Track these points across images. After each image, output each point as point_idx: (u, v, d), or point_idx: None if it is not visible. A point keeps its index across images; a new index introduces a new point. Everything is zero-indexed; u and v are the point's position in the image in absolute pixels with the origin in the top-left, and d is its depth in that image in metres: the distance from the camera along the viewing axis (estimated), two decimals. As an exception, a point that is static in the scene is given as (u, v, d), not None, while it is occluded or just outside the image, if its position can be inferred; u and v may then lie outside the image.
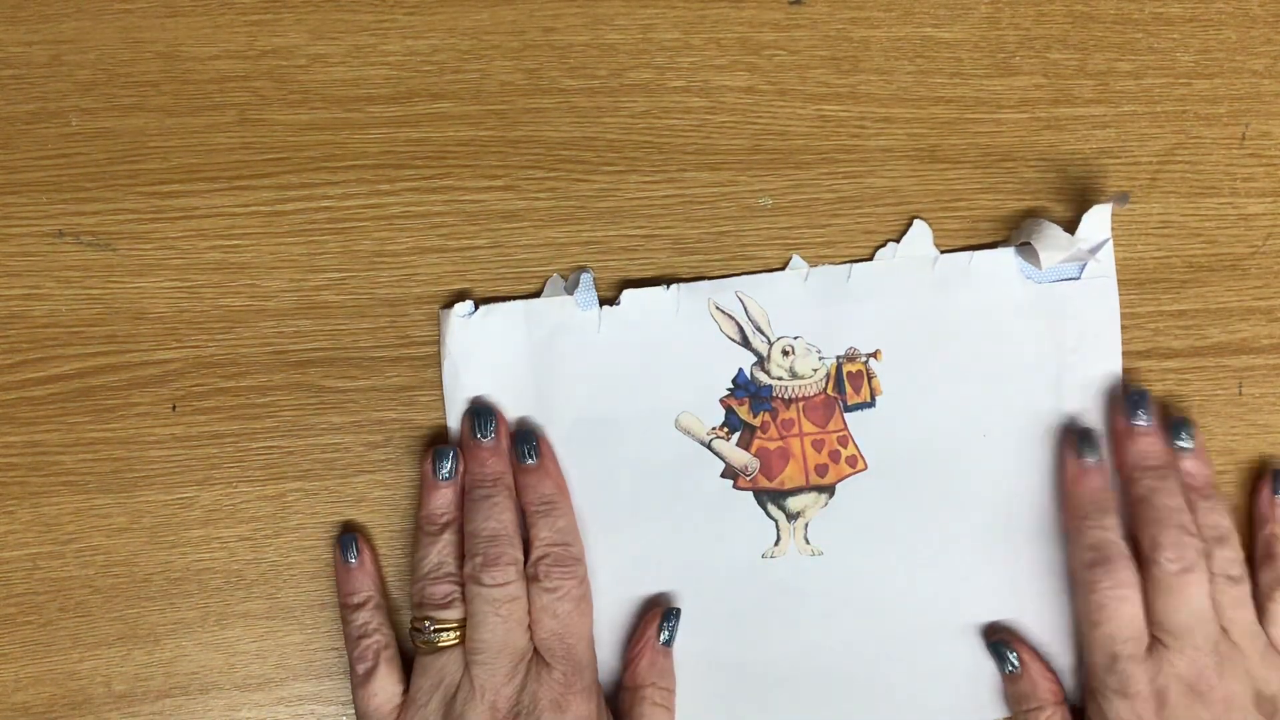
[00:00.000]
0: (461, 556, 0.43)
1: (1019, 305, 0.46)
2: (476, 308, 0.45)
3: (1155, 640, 0.42)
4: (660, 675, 0.44)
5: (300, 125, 0.46)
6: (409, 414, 0.46)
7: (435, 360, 0.46)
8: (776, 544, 0.46)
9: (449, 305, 0.45)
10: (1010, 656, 0.44)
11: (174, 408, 0.45)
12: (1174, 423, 0.45)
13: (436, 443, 0.45)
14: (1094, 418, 0.46)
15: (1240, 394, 0.47)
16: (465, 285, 0.46)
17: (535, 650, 0.42)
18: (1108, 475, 0.44)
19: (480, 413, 0.44)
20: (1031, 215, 0.47)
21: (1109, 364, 0.46)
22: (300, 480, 0.45)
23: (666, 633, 0.44)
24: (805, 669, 0.45)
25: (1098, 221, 0.45)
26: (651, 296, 0.46)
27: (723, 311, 0.46)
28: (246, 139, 0.46)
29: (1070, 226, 0.45)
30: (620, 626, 0.46)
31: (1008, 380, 0.46)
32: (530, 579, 0.43)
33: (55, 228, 0.45)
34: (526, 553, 0.44)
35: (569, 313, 0.45)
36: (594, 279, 0.45)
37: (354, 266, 0.46)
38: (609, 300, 0.46)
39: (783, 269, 0.46)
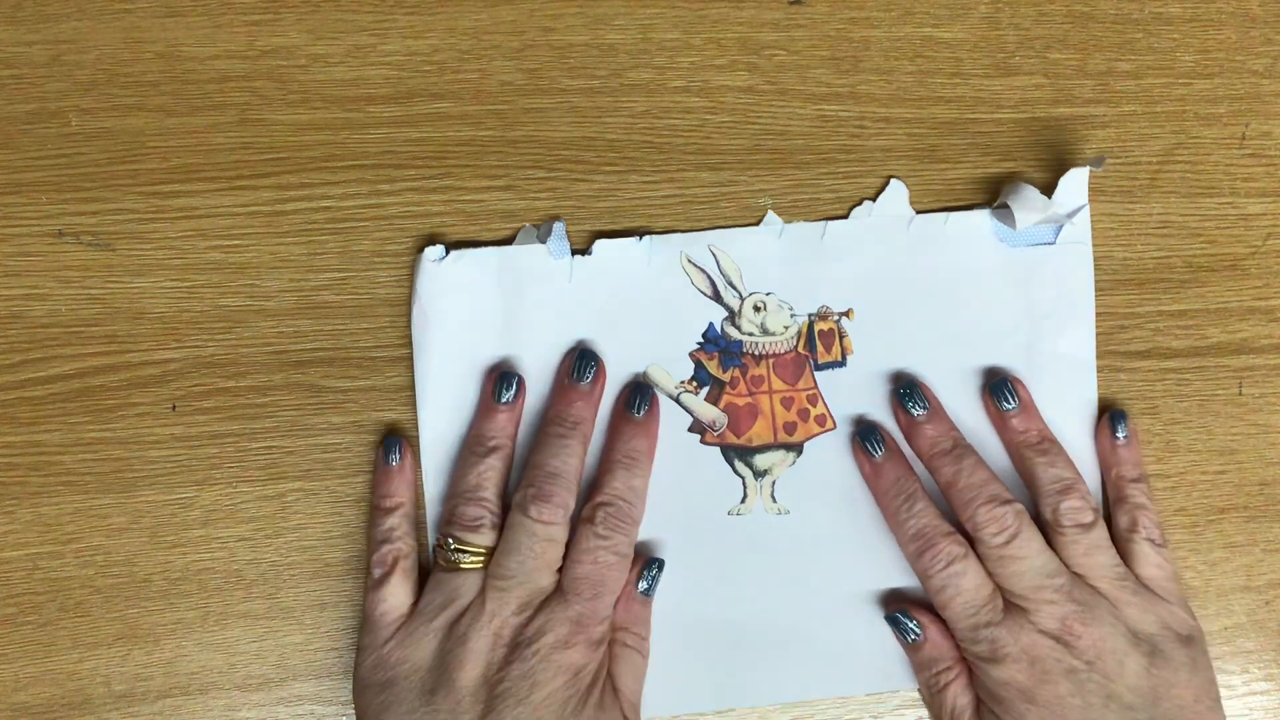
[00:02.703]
0: (502, 483, 0.44)
1: (994, 268, 0.46)
2: (448, 252, 0.45)
3: (1010, 605, 0.42)
4: (635, 622, 0.44)
5: (300, 125, 0.46)
6: (409, 414, 0.46)
7: (435, 360, 0.46)
8: (743, 501, 0.45)
9: (422, 249, 0.45)
10: (911, 625, 0.44)
11: (174, 408, 0.45)
12: (995, 384, 0.45)
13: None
14: (1065, 383, 0.46)
15: (1240, 394, 0.47)
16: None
17: (558, 587, 0.42)
18: (902, 463, 0.44)
19: (585, 356, 0.44)
20: (1010, 182, 0.46)
21: (1082, 329, 0.46)
22: (300, 480, 0.45)
23: (645, 583, 0.44)
24: (769, 627, 0.45)
25: (1075, 185, 0.45)
26: (623, 247, 0.45)
27: (695, 265, 0.46)
28: (246, 139, 0.46)
29: (1048, 190, 0.45)
30: None
31: (980, 343, 0.46)
32: (584, 520, 0.43)
33: (55, 228, 0.45)
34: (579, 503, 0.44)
35: (541, 261, 0.45)
36: (566, 229, 0.45)
37: (354, 266, 0.46)
38: (581, 250, 0.46)
39: (757, 224, 0.46)
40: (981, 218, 0.46)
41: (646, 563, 0.44)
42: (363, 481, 0.46)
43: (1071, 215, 0.45)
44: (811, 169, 0.47)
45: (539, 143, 0.46)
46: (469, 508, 0.43)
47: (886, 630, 0.45)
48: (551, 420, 0.44)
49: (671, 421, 0.45)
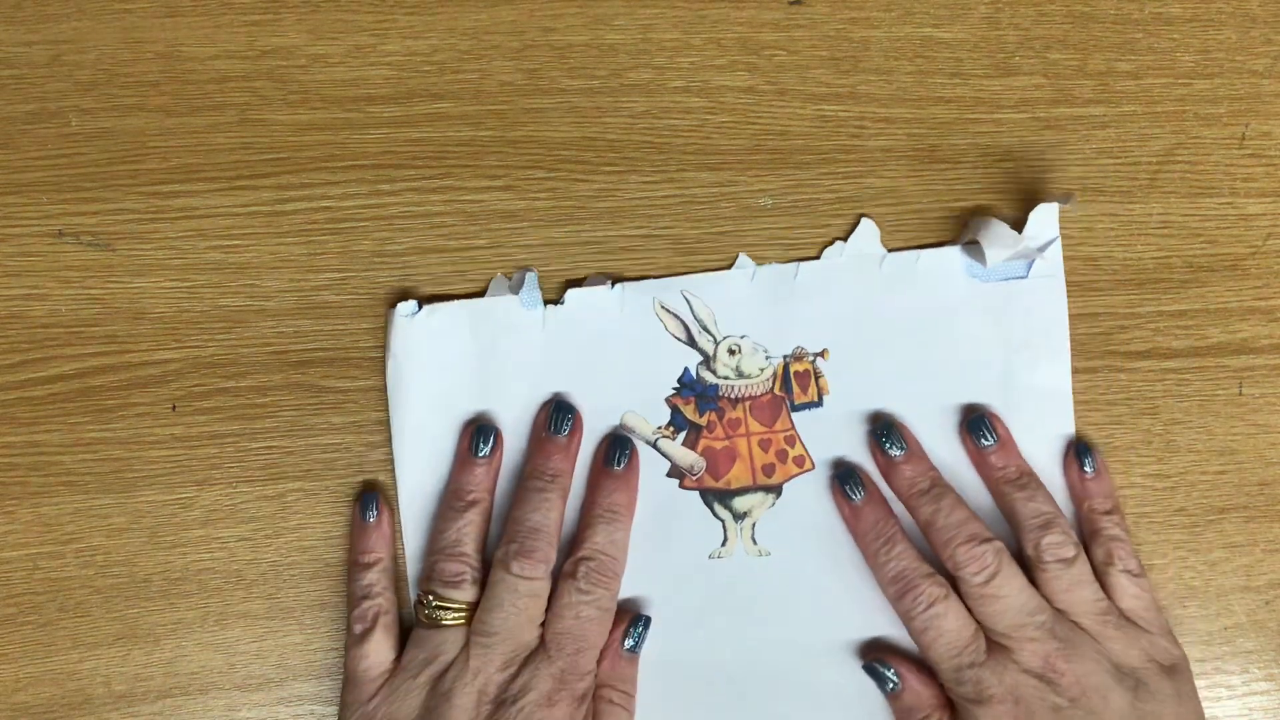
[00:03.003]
0: (481, 538, 0.43)
1: (966, 304, 0.46)
2: (420, 307, 0.45)
3: (993, 645, 0.42)
4: (621, 679, 0.44)
5: (300, 125, 0.46)
6: (409, 414, 0.46)
7: (435, 360, 0.46)
8: (724, 544, 0.45)
9: (395, 304, 0.45)
10: (889, 674, 0.44)
11: (174, 408, 0.45)
12: (973, 421, 0.45)
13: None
14: (1043, 417, 0.46)
15: (1240, 394, 0.47)
16: (466, 285, 0.46)
17: (541, 643, 0.42)
18: (881, 505, 0.44)
19: (561, 408, 0.44)
20: (979, 212, 0.46)
21: (1058, 362, 0.46)
22: (300, 480, 0.45)
23: (632, 640, 0.44)
24: (752, 669, 0.45)
25: (1045, 220, 0.45)
26: (596, 296, 0.45)
27: (668, 311, 0.46)
28: (246, 139, 0.46)
29: (1018, 225, 0.45)
30: None
31: (956, 379, 0.46)
32: (566, 574, 0.43)
33: (55, 228, 0.45)
34: (563, 554, 0.44)
35: (513, 312, 0.45)
36: (538, 279, 0.45)
37: (354, 266, 0.46)
38: (553, 300, 0.45)
39: (729, 268, 0.46)
40: (953, 254, 0.46)
41: (633, 620, 0.44)
42: (362, 482, 0.46)
43: (1042, 250, 0.45)
44: (811, 169, 0.47)
45: (539, 143, 0.46)
46: (449, 564, 0.43)
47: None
48: (530, 474, 0.44)
49: (650, 467, 0.45)
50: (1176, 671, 0.42)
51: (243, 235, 0.46)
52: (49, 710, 0.45)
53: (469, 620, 0.42)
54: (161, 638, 0.45)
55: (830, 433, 0.46)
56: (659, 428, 0.45)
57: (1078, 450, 0.45)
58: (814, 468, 0.46)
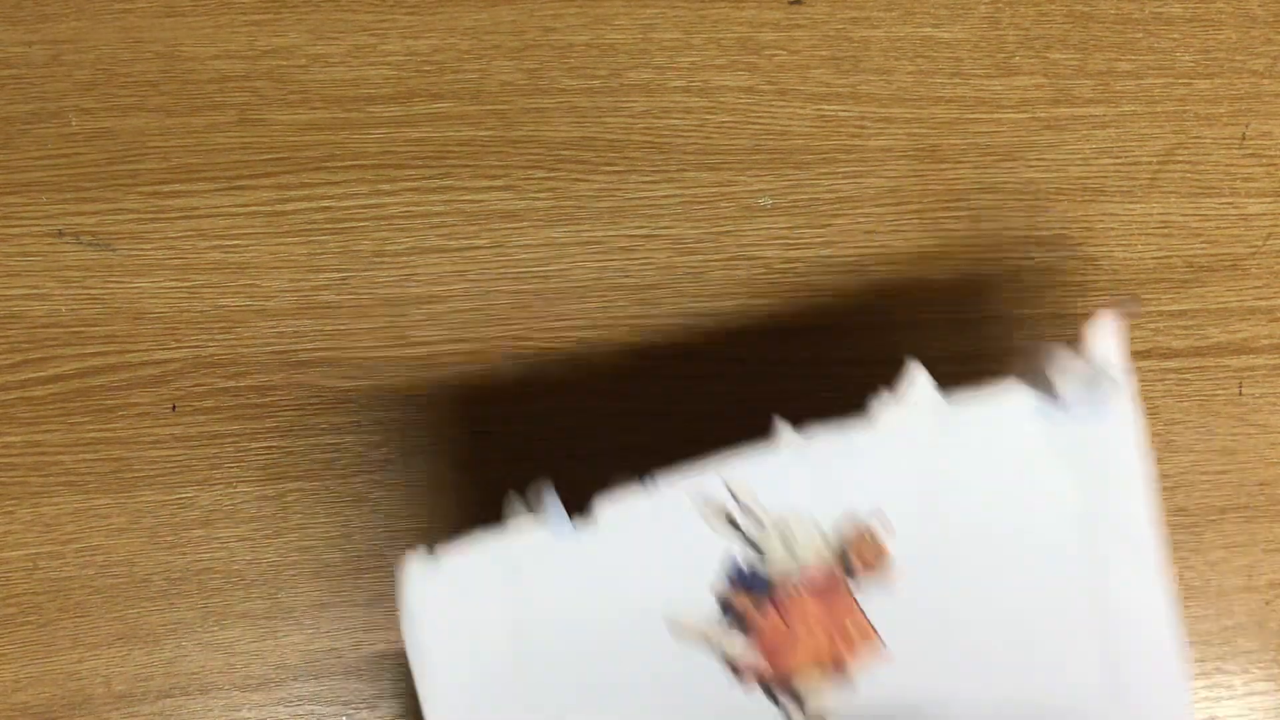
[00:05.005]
0: None
1: (1034, 447, 0.40)
2: (434, 552, 0.39)
3: None
4: None
5: (300, 125, 0.46)
6: (409, 414, 0.46)
7: (434, 361, 0.46)
8: None
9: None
10: None
11: (174, 408, 0.45)
12: None
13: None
14: (1128, 560, 0.41)
15: (1240, 394, 0.47)
16: (465, 285, 0.46)
17: None
18: None
19: None
20: (1031, 342, 0.45)
21: (1137, 498, 0.40)
22: (300, 480, 0.45)
23: None
24: None
25: (1105, 336, 0.39)
26: (627, 503, 0.40)
27: (708, 502, 0.40)
28: (246, 139, 0.46)
29: (1079, 350, 0.39)
30: None
31: (1031, 531, 0.40)
32: None
33: (55, 228, 0.45)
34: None
35: (538, 539, 0.40)
36: (555, 493, 0.40)
37: (354, 266, 0.46)
38: (579, 509, 0.40)
39: (768, 440, 0.40)
40: (1014, 392, 0.40)
41: None
42: (362, 481, 0.46)
43: (1108, 374, 0.39)
44: (811, 169, 0.47)
45: (539, 143, 0.46)
46: None
47: None
48: None
49: (705, 666, 0.41)
50: None
51: (243, 235, 0.46)
52: (49, 710, 0.45)
53: None
54: (161, 638, 0.45)
55: (898, 608, 0.40)
56: (710, 623, 0.41)
57: None
58: (883, 647, 0.40)
